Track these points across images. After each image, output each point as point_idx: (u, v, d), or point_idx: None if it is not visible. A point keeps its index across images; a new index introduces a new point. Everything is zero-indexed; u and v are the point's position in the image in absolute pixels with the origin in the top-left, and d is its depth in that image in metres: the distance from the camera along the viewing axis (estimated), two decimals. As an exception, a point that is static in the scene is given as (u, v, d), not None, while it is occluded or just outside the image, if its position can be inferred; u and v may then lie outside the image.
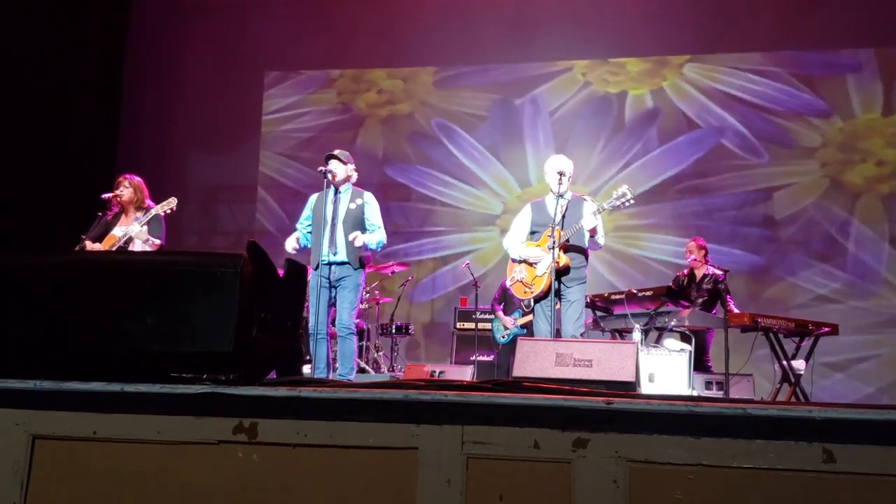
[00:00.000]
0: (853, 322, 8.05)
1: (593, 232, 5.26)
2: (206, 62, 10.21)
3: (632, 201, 5.31)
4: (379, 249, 5.75)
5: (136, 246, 5.51)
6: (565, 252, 5.29)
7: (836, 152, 8.90)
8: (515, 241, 5.58)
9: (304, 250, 5.71)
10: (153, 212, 5.57)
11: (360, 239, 5.46)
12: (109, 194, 5.75)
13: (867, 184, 8.79)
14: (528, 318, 7.36)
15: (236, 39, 10.09)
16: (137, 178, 5.85)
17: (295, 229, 5.80)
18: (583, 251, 5.39)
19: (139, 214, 5.60)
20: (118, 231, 5.59)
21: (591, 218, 5.22)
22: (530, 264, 5.43)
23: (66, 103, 8.85)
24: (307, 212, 5.78)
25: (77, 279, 2.51)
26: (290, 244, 5.62)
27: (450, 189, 9.73)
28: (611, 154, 9.40)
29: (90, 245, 5.54)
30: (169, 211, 5.63)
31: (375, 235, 5.58)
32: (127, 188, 5.73)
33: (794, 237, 8.86)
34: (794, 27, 8.98)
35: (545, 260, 5.29)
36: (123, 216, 5.72)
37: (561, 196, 5.40)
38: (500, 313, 7.80)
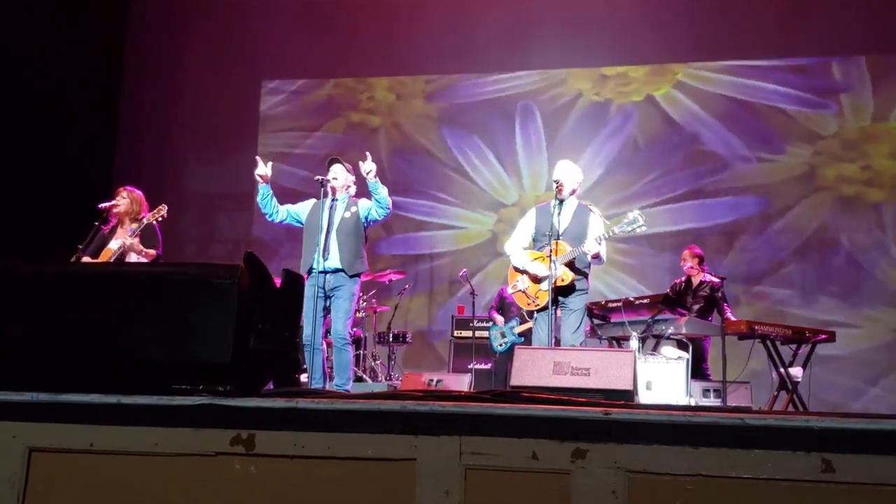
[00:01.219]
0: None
1: (596, 256, 5.24)
2: (205, 65, 10.18)
3: (644, 228, 5.28)
4: (386, 207, 5.51)
5: (132, 258, 5.50)
6: (568, 266, 5.27)
7: (838, 148, 8.92)
8: (518, 248, 5.53)
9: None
10: (144, 221, 5.55)
11: (368, 166, 5.34)
12: (107, 204, 5.74)
13: (834, 181, 8.84)
14: (527, 325, 7.35)
15: (236, 44, 10.06)
16: (137, 192, 5.84)
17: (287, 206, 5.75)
18: (585, 263, 5.36)
19: (133, 226, 5.58)
20: (114, 244, 5.57)
21: (592, 244, 5.19)
22: (532, 277, 5.41)
23: (66, 104, 8.86)
24: (303, 212, 5.73)
25: (76, 290, 2.51)
26: (261, 168, 5.50)
27: (444, 195, 9.74)
28: (608, 160, 9.42)
29: (86, 260, 5.52)
30: (160, 219, 5.61)
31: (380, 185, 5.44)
32: (124, 199, 5.72)
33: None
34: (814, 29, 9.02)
35: (549, 276, 5.27)
36: (119, 228, 5.70)
37: (561, 202, 5.38)
38: (497, 315, 7.79)
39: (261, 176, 5.49)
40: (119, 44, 9.69)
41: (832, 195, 8.85)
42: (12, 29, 7.97)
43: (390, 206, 5.55)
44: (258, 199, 5.62)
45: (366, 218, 5.56)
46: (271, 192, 5.60)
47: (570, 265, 5.25)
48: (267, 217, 5.70)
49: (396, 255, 9.54)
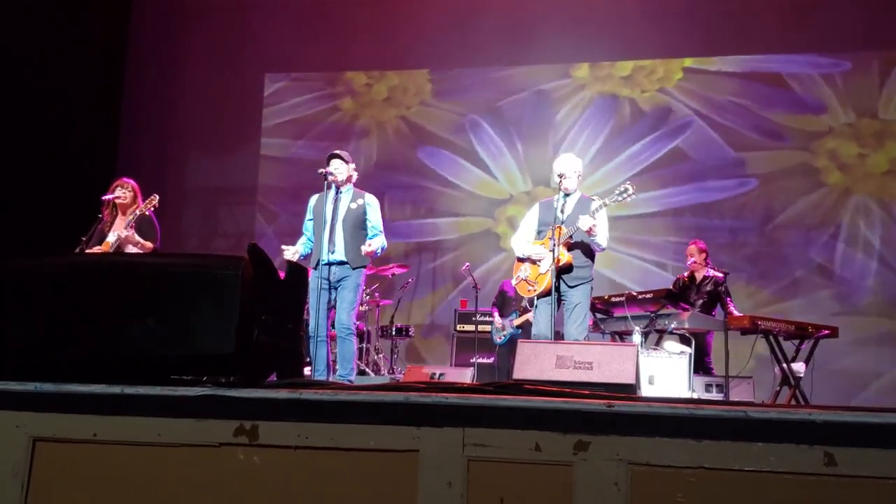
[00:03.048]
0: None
1: (590, 232, 5.21)
2: (207, 63, 10.21)
3: (633, 196, 5.31)
4: (380, 254, 5.74)
5: (129, 250, 5.52)
6: (569, 250, 5.27)
7: (851, 136, 8.91)
8: (522, 241, 5.60)
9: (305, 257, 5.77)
10: (138, 212, 5.55)
11: (373, 245, 5.47)
12: (110, 196, 5.74)
13: (835, 177, 8.85)
14: (525, 317, 7.37)
15: (237, 41, 10.09)
16: (134, 182, 5.86)
17: (302, 234, 5.81)
18: (588, 250, 5.37)
19: (129, 217, 5.59)
20: (111, 236, 5.58)
21: (586, 218, 5.17)
22: (533, 262, 5.42)
23: (68, 103, 8.87)
24: (309, 214, 5.78)
25: (79, 281, 2.51)
26: (289, 253, 5.61)
27: (446, 189, 9.74)
28: (612, 154, 9.42)
29: (89, 250, 5.53)
30: (153, 208, 5.62)
31: (379, 240, 5.58)
32: (129, 192, 5.73)
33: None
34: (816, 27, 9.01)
35: (548, 258, 5.27)
36: (119, 219, 5.70)
37: (567, 195, 5.41)
38: (497, 316, 7.79)
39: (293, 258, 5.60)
40: (121, 41, 9.71)
41: (833, 191, 8.85)
42: (13, 29, 7.98)
43: (383, 248, 5.68)
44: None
45: (366, 219, 5.60)
46: (303, 248, 5.73)
47: (567, 246, 5.26)
48: None
49: (400, 246, 9.55)
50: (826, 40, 8.99)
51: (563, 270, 5.25)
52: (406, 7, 9.86)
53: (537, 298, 5.38)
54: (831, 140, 8.94)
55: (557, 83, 9.70)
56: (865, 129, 8.88)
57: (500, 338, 7.67)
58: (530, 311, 7.26)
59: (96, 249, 5.55)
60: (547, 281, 5.26)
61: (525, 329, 7.21)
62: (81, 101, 9.10)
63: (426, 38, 9.73)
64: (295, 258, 5.59)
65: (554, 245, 5.17)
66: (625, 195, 5.29)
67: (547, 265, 5.28)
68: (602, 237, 5.31)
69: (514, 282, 5.66)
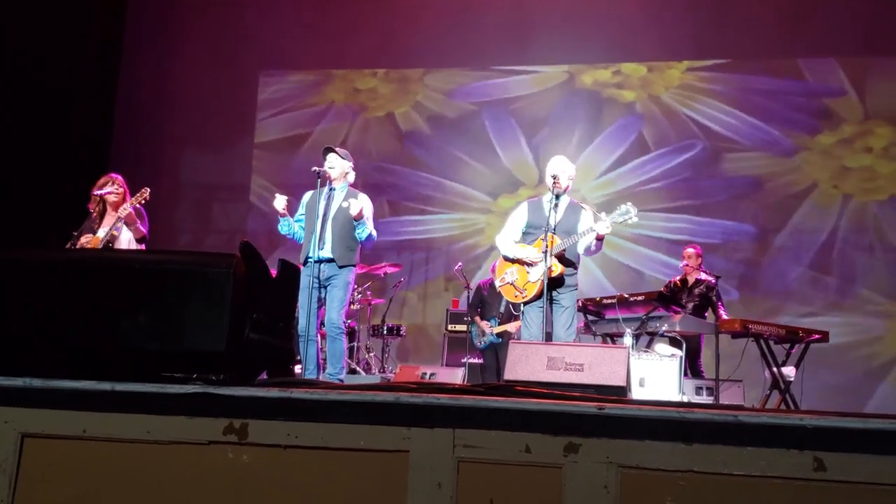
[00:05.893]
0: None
1: (601, 237, 5.17)
2: (201, 60, 10.17)
3: (635, 219, 5.22)
4: (369, 246, 5.65)
5: (122, 240, 5.52)
6: (559, 261, 5.24)
7: (852, 140, 8.93)
8: (508, 240, 5.48)
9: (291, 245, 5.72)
10: (128, 207, 5.51)
11: (354, 207, 5.38)
12: (102, 192, 5.70)
13: (831, 182, 8.88)
14: (504, 327, 7.35)
15: (233, 38, 10.06)
16: (122, 177, 5.84)
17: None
18: (573, 257, 5.34)
19: (119, 212, 5.54)
20: (101, 232, 5.55)
21: (602, 224, 5.11)
22: (524, 265, 5.37)
23: (63, 95, 8.83)
24: (301, 209, 5.75)
25: (70, 277, 2.51)
26: (280, 203, 5.53)
27: (440, 189, 9.74)
28: (607, 157, 9.43)
29: (81, 244, 5.51)
30: (143, 201, 5.59)
31: (367, 226, 5.49)
32: (120, 188, 5.69)
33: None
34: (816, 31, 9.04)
35: (540, 266, 5.23)
36: (109, 215, 5.67)
37: (557, 198, 5.35)
38: (478, 318, 7.70)
39: (280, 211, 5.52)
40: (117, 35, 9.68)
41: (829, 196, 8.88)
42: (9, 22, 7.96)
43: (371, 238, 5.58)
44: (281, 231, 5.66)
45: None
46: (290, 220, 5.63)
47: (560, 258, 5.24)
48: (298, 241, 5.73)
49: (393, 245, 9.54)
50: (825, 44, 9.01)
51: (554, 281, 5.22)
52: (404, 5, 9.84)
53: (523, 305, 5.36)
54: (830, 143, 8.95)
55: (555, 84, 9.69)
56: (866, 133, 8.91)
57: (480, 342, 7.63)
58: (511, 322, 7.25)
59: (84, 242, 5.52)
60: (536, 290, 5.21)
61: (504, 339, 7.16)
62: (76, 95, 9.06)
63: (424, 36, 9.72)
64: (280, 208, 5.51)
65: (546, 252, 5.12)
66: (626, 217, 5.18)
67: (538, 274, 5.20)
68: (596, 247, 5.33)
69: (498, 283, 5.55)
